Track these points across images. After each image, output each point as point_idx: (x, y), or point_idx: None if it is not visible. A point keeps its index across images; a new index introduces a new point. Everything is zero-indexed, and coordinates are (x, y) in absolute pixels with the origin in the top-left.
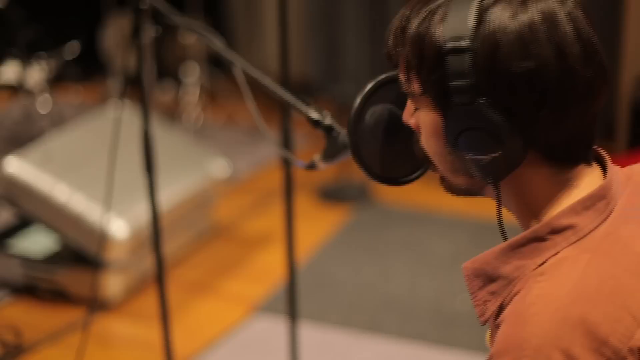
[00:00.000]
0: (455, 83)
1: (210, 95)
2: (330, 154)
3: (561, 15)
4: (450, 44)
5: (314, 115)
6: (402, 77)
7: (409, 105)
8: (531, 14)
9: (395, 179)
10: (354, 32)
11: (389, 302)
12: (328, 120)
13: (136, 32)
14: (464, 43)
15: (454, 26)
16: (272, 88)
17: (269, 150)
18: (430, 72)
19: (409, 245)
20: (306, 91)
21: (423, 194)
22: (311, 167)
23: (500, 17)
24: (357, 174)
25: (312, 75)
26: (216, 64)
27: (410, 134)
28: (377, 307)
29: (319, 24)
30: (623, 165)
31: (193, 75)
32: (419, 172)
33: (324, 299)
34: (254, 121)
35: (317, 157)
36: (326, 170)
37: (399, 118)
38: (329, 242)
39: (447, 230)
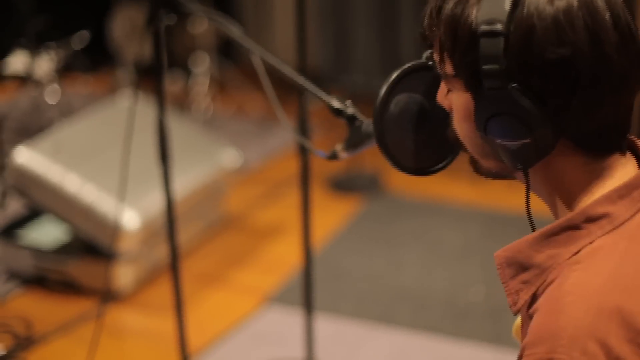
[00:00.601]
0: (487, 67)
1: (219, 85)
2: (353, 144)
3: (600, 2)
4: (484, 27)
5: (336, 104)
6: (435, 57)
7: (443, 87)
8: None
9: (420, 169)
10: (364, 24)
11: (401, 293)
12: (350, 110)
13: (152, 21)
14: (498, 26)
15: (490, 9)
16: (292, 76)
17: (279, 140)
18: (463, 55)
19: (421, 236)
20: (316, 81)
21: (434, 185)
22: (333, 157)
23: (538, 1)
24: (368, 164)
25: (322, 66)
26: (226, 54)
27: (435, 124)
28: (390, 298)
29: (329, 15)
30: None
31: (202, 65)
32: (444, 163)
33: (336, 290)
34: (263, 111)
35: (339, 147)
36: (338, 161)
37: (423, 107)
38: (341, 232)
39: (459, 221)
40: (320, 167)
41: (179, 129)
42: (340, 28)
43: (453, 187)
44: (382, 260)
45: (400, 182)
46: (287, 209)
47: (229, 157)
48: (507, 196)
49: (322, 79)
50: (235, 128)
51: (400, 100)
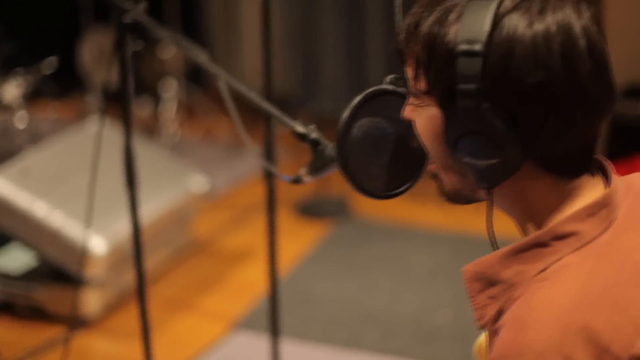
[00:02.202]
0: (462, 86)
1: (188, 111)
2: (316, 168)
3: (577, 28)
4: (463, 46)
5: (300, 128)
6: (409, 72)
7: (412, 101)
8: (548, 24)
9: (382, 193)
10: (332, 48)
11: (369, 318)
12: (314, 134)
13: (119, 47)
14: (476, 47)
15: (469, 28)
16: (257, 102)
17: (247, 165)
18: (439, 72)
19: (389, 260)
20: (284, 106)
21: (403, 209)
22: (297, 181)
23: (517, 24)
24: (336, 188)
25: (290, 90)
26: (194, 79)
27: (399, 147)
28: (358, 322)
29: (296, 40)
30: None
31: (171, 90)
32: (406, 186)
33: (304, 315)
34: (232, 136)
35: (302, 171)
36: (305, 185)
37: (386, 131)
38: (309, 257)
39: (427, 244)
40: (289, 192)
41: (146, 154)
42: (308, 53)
43: (421, 211)
44: (350, 285)
45: (369, 206)
46: (255, 234)
47: (196, 183)
48: (475, 220)
49: (290, 103)
50: (204, 153)
51: (362, 124)
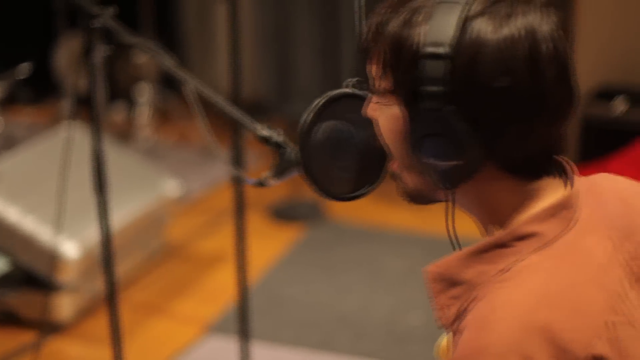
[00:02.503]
0: (427, 88)
1: (162, 115)
2: (279, 171)
3: (542, 33)
4: (429, 49)
5: (263, 132)
6: (374, 71)
7: (375, 99)
8: (513, 29)
9: (345, 195)
10: (306, 51)
11: (342, 320)
12: (277, 137)
13: (88, 52)
14: (442, 50)
15: (436, 31)
16: (222, 106)
17: (221, 169)
18: (405, 72)
19: (362, 263)
20: (258, 110)
21: (376, 211)
22: (261, 184)
23: (483, 28)
24: (309, 192)
25: (264, 94)
26: (168, 84)
27: (361, 149)
28: (330, 325)
29: (270, 43)
30: None
31: (145, 94)
32: (368, 188)
33: (277, 318)
34: (206, 140)
35: (267, 174)
36: (278, 189)
37: (348, 134)
38: (282, 260)
39: (400, 246)
40: (262, 195)
41: (119, 158)
42: (282, 56)
43: (394, 213)
44: (323, 288)
45: (342, 209)
46: (229, 238)
47: (170, 187)
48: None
49: (264, 107)
50: (178, 157)
51: (324, 127)
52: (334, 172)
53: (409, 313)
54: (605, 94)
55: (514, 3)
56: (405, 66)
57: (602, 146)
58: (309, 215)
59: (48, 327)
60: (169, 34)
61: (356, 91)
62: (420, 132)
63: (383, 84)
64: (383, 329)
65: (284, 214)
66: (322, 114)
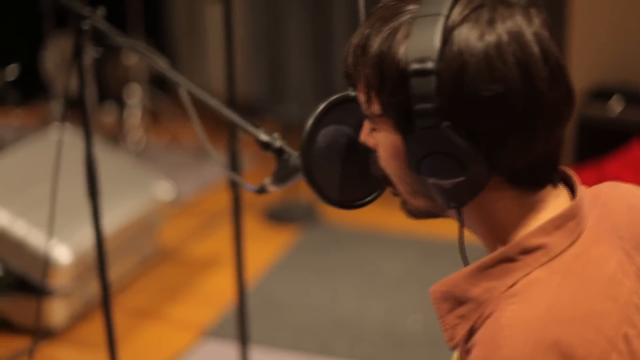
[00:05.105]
0: (418, 106)
1: (153, 117)
2: (281, 177)
3: (528, 35)
4: (414, 66)
5: (264, 137)
6: (361, 97)
7: (367, 125)
8: (499, 34)
9: (348, 203)
10: (298, 53)
11: (338, 324)
12: (278, 143)
13: (77, 53)
14: (429, 65)
15: (419, 46)
16: (219, 109)
17: (213, 171)
18: (392, 94)
19: (358, 266)
20: (250, 112)
21: (371, 214)
22: (261, 191)
23: (467, 37)
24: (304, 194)
25: (256, 96)
26: (159, 85)
27: (364, 156)
28: (327, 329)
29: (262, 45)
30: None
31: (135, 96)
32: (372, 196)
33: (273, 322)
34: (198, 142)
35: (267, 181)
36: (266, 194)
37: (352, 140)
38: (277, 264)
39: (397, 249)
40: (256, 198)
41: (111, 161)
42: (274, 58)
43: (390, 216)
44: (319, 291)
45: (337, 212)
46: (222, 241)
47: (162, 190)
48: (444, 224)
49: (256, 109)
50: (169, 159)
51: (327, 132)
52: (338, 179)
53: (407, 317)
54: (601, 94)
55: (494, 7)
56: (392, 87)
57: (598, 147)
58: (304, 217)
59: (41, 333)
60: (157, 36)
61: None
62: (418, 153)
63: (372, 108)
64: (380, 333)
65: (278, 216)
66: (325, 118)
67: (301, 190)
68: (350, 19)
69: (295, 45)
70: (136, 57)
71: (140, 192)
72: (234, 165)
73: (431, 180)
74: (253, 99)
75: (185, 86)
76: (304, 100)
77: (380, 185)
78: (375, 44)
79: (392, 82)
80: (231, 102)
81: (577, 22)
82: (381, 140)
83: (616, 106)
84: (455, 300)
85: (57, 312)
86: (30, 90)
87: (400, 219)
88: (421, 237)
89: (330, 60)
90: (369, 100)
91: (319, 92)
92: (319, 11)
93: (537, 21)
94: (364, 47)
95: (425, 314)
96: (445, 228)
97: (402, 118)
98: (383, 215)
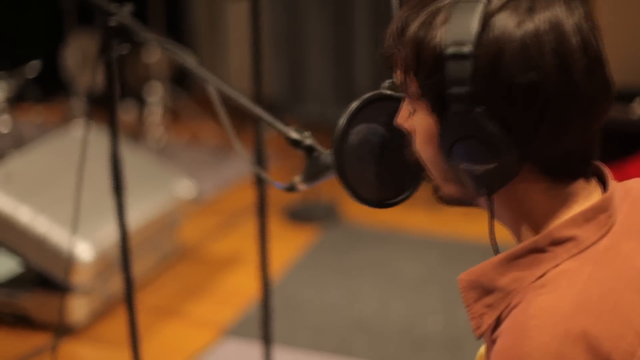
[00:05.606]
0: (453, 90)
1: (173, 115)
2: (311, 175)
3: (568, 26)
4: (451, 49)
5: (294, 135)
6: (399, 78)
7: (405, 108)
8: (538, 22)
9: (381, 202)
10: (318, 52)
11: (358, 324)
12: (308, 140)
13: (105, 50)
14: (465, 49)
15: (457, 30)
16: (249, 107)
17: (234, 169)
18: (429, 76)
19: (378, 266)
20: (271, 111)
21: (392, 214)
22: (291, 189)
23: (506, 24)
24: (325, 193)
25: (276, 95)
26: (179, 83)
27: (395, 155)
28: (347, 329)
29: (283, 44)
30: None
31: (156, 94)
32: (405, 195)
33: (293, 322)
34: (218, 140)
35: (297, 179)
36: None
37: (383, 138)
38: (297, 263)
39: (417, 250)
40: (277, 196)
41: (132, 159)
42: (295, 57)
43: (410, 216)
44: (339, 291)
45: (357, 211)
46: (243, 239)
47: (183, 188)
48: (464, 224)
49: (276, 108)
50: (190, 157)
51: (359, 130)
52: (370, 178)
53: (426, 318)
54: (623, 96)
55: None
56: (429, 69)
57: (619, 149)
58: (325, 217)
59: (62, 330)
60: (178, 34)
61: (393, 93)
62: (451, 137)
63: (410, 90)
64: (400, 333)
65: (299, 215)
66: (357, 116)
67: (322, 189)
68: (371, 19)
69: (316, 44)
70: (157, 54)
71: (161, 190)
72: (260, 162)
73: (462, 166)
74: (274, 98)
75: (214, 84)
76: (324, 100)
77: (411, 184)
78: (414, 26)
79: (429, 65)
80: (258, 100)
81: (599, 24)
82: (417, 123)
83: (638, 108)
84: (483, 290)
85: (77, 309)
86: (51, 87)
87: (420, 219)
88: (442, 238)
89: (351, 60)
90: (406, 82)
91: (340, 91)
92: (340, 11)
93: (578, 12)
94: (402, 29)
95: (445, 315)
96: (465, 228)
97: (437, 101)
98: (404, 216)
